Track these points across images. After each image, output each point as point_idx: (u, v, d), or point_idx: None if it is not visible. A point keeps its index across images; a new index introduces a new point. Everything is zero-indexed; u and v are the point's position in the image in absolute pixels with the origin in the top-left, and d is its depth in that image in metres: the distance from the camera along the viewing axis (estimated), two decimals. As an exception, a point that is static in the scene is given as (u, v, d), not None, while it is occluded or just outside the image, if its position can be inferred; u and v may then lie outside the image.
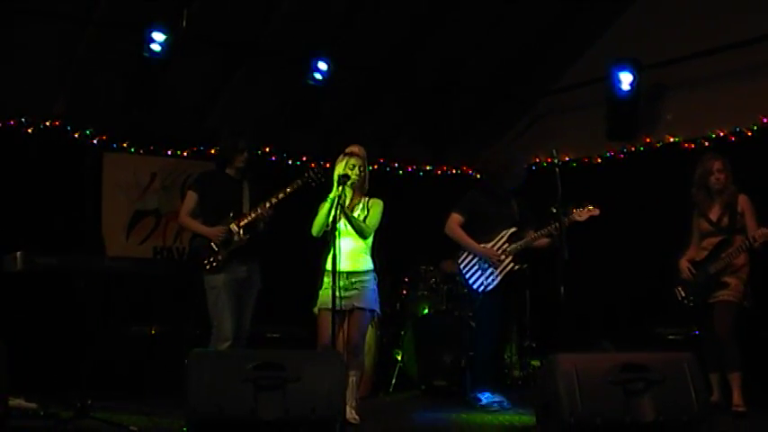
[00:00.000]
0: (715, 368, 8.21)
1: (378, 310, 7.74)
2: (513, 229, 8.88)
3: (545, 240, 8.70)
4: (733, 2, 10.21)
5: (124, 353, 9.43)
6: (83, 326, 8.27)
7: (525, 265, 8.85)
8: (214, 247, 7.93)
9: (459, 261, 8.94)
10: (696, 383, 5.62)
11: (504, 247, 8.81)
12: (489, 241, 8.84)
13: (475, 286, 8.79)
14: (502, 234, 8.85)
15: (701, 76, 10.52)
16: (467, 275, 8.87)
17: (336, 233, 7.28)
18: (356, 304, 7.46)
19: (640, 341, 9.58)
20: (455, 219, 8.95)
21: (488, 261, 8.77)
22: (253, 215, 7.95)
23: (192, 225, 8.21)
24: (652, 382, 5.54)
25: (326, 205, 7.46)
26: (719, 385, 8.25)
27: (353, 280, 7.46)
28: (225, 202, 8.06)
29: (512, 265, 8.76)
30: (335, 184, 7.41)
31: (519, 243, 8.79)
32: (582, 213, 8.46)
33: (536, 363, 10.24)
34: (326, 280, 7.42)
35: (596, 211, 8.49)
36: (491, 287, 8.72)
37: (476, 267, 8.83)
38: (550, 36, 11.93)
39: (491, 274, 8.75)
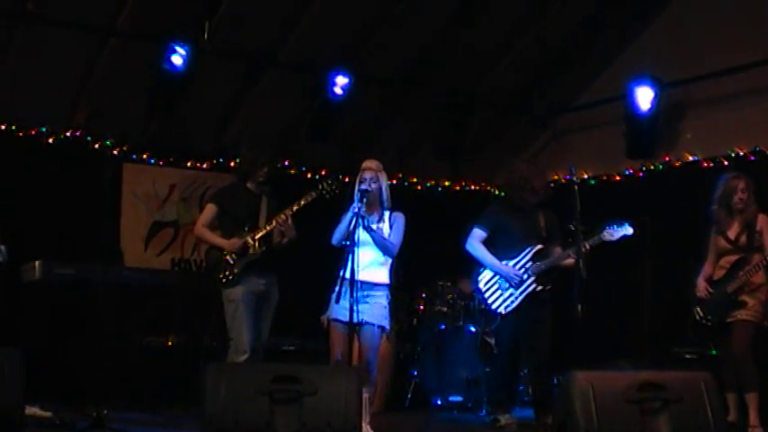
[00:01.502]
0: (732, 388, 8.17)
1: (387, 327, 7.70)
2: (538, 247, 8.37)
3: (571, 260, 8.16)
4: (753, 21, 10.19)
5: (141, 363, 9.43)
6: (100, 336, 8.29)
7: (549, 287, 8.34)
8: (229, 259, 7.95)
9: (479, 278, 8.55)
10: (713, 403, 5.58)
11: (528, 265, 8.33)
12: (512, 259, 8.37)
13: (494, 307, 8.39)
14: (526, 251, 8.36)
15: (721, 95, 10.51)
16: (485, 295, 8.47)
17: (357, 240, 7.27)
18: (366, 319, 7.42)
19: (657, 360, 9.55)
20: (476, 234, 8.52)
21: (509, 281, 8.32)
22: (268, 228, 7.98)
23: (207, 236, 8.25)
24: (669, 401, 5.50)
25: (348, 215, 7.43)
26: (737, 405, 8.22)
27: (366, 293, 7.41)
28: (245, 216, 8.10)
29: (534, 285, 8.29)
30: (356, 200, 7.39)
31: (543, 262, 8.34)
32: (614, 233, 8.14)
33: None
34: (337, 289, 7.38)
35: (629, 231, 8.17)
36: (510, 309, 8.31)
37: (495, 287, 8.41)
38: (570, 53, 11.94)
39: (511, 295, 8.31)
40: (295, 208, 7.89)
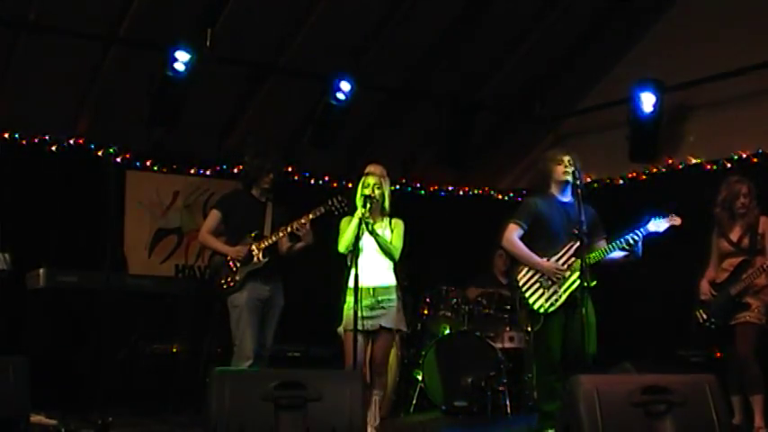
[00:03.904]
0: (737, 390, 8.17)
1: (404, 329, 7.70)
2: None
3: (618, 253, 7.76)
4: (755, 23, 10.20)
5: (145, 370, 9.44)
6: (104, 342, 8.30)
7: (594, 282, 7.48)
8: (232, 266, 7.95)
9: (519, 277, 7.80)
10: (718, 406, 5.57)
11: (571, 261, 7.65)
12: (554, 255, 7.70)
13: (536, 307, 7.66)
14: (568, 246, 7.67)
15: (724, 98, 10.51)
16: (526, 294, 7.71)
17: (359, 250, 7.26)
18: (383, 324, 7.42)
19: (662, 363, 9.54)
20: (512, 229, 7.82)
21: (551, 278, 7.66)
22: (273, 239, 7.97)
23: (211, 243, 8.25)
24: (674, 404, 5.50)
25: (353, 221, 7.44)
26: (742, 408, 8.21)
27: (380, 298, 7.41)
28: (248, 222, 8.09)
29: (578, 282, 7.51)
30: (360, 206, 7.39)
31: (589, 256, 7.56)
32: (660, 224, 7.75)
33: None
34: (349, 299, 7.35)
35: (677, 221, 7.77)
36: (553, 308, 7.63)
37: (537, 285, 7.69)
38: (573, 56, 11.95)
39: (554, 293, 7.64)
40: (303, 221, 7.87)
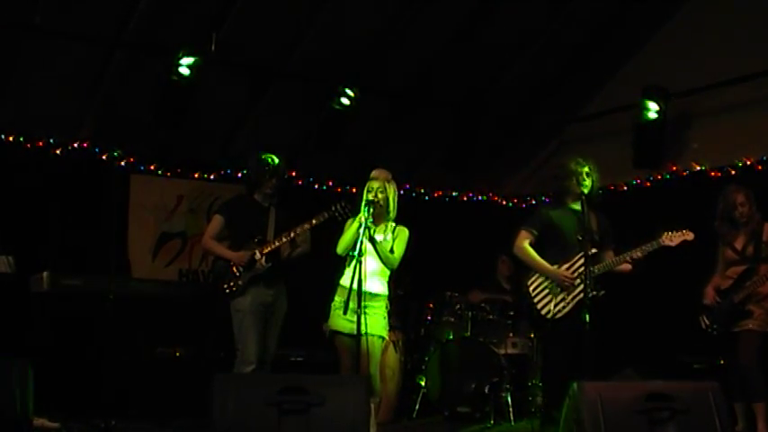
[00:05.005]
0: (740, 398, 8.16)
1: (385, 335, 7.67)
2: (592, 250, 7.70)
3: (627, 266, 7.91)
4: (759, 30, 10.19)
5: (149, 374, 9.43)
6: (107, 346, 8.29)
7: (602, 292, 7.71)
8: (236, 271, 7.95)
9: (529, 283, 7.98)
10: (721, 413, 5.57)
11: (581, 270, 7.68)
12: (565, 263, 7.85)
13: (543, 312, 7.84)
14: (580, 255, 7.73)
15: (728, 105, 10.50)
16: (535, 299, 7.90)
17: (360, 254, 7.23)
18: (366, 330, 7.40)
19: (665, 370, 9.53)
20: (523, 236, 8.01)
21: (560, 285, 7.81)
22: (276, 243, 7.97)
23: (214, 248, 8.24)
24: (677, 411, 5.49)
25: (354, 225, 7.42)
26: (744, 415, 8.20)
27: (366, 303, 7.26)
28: (251, 227, 8.09)
29: (587, 290, 7.51)
30: (363, 210, 7.37)
31: (597, 266, 7.77)
32: (673, 238, 7.76)
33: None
34: (338, 299, 7.44)
35: (690, 236, 7.76)
36: (561, 314, 7.78)
37: (546, 291, 7.86)
38: (577, 63, 11.94)
39: (562, 300, 7.78)
40: (306, 227, 7.87)
